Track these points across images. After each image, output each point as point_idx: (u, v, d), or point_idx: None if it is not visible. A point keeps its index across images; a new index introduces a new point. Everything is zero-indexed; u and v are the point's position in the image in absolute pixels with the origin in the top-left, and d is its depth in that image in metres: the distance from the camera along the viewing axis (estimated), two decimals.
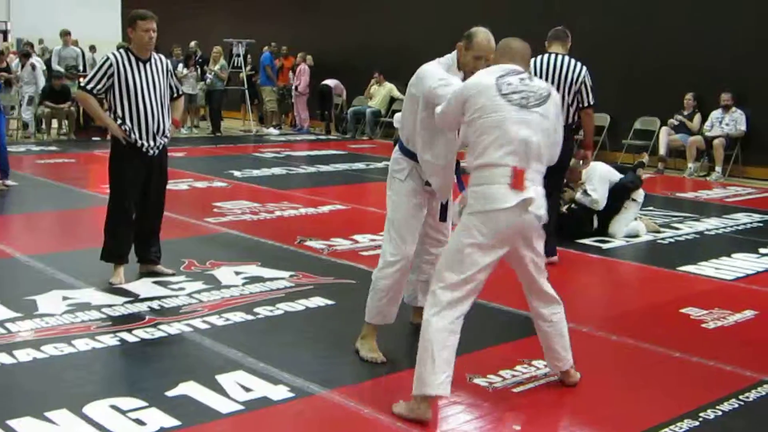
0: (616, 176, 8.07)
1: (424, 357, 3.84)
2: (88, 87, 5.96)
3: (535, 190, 3.84)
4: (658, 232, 8.28)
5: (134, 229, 6.16)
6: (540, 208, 3.87)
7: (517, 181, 3.78)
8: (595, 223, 8.01)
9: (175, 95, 6.31)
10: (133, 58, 5.94)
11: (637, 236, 8.01)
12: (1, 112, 10.66)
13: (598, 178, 7.87)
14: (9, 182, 10.22)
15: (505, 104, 3.81)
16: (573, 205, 7.95)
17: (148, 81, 5.96)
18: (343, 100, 18.77)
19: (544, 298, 4.27)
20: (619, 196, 7.97)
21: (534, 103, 3.88)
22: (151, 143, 5.99)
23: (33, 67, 16.41)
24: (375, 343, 4.67)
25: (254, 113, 19.38)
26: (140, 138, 5.93)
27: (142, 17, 5.94)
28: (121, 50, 6.04)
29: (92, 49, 19.60)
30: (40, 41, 24.08)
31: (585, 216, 7.92)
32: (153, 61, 6.04)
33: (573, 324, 5.36)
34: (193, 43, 19.22)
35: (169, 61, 6.33)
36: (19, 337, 4.86)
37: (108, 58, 5.95)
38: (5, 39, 27.79)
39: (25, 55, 16.84)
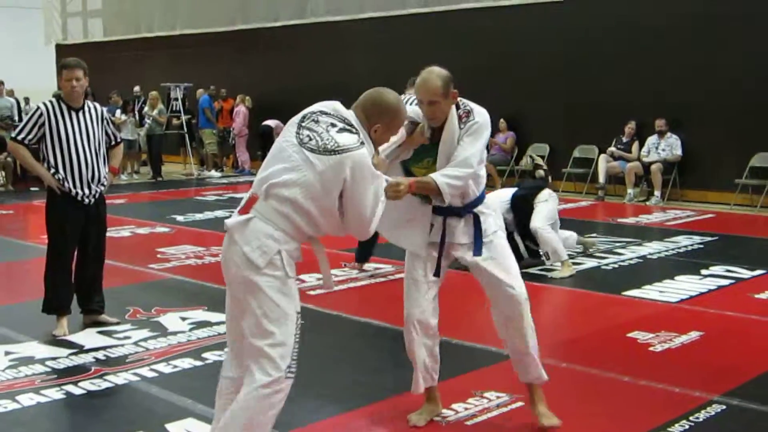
0: (506, 198, 8.01)
1: None
2: (19, 137, 5.92)
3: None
4: (591, 247, 8.45)
5: (73, 278, 6.09)
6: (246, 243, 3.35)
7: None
8: (522, 248, 7.93)
9: (113, 143, 6.27)
10: (65, 107, 5.89)
11: (568, 243, 8.01)
12: None
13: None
14: None
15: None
16: None
17: (80, 129, 5.90)
18: None
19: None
20: (523, 208, 7.90)
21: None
22: (86, 191, 5.92)
23: None
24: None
25: (195, 156, 19.28)
26: (74, 187, 5.88)
27: (66, 66, 5.90)
28: (53, 99, 5.99)
29: (27, 101, 19.41)
30: None
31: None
32: (87, 109, 5.98)
33: None
34: (137, 88, 19.11)
35: (104, 109, 6.27)
36: None
37: (38, 108, 5.91)
38: None
39: None
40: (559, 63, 14.25)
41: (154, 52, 21.06)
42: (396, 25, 16.40)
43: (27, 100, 19.21)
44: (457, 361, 5.28)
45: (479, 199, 4.19)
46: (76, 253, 6.11)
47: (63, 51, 24.32)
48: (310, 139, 3.38)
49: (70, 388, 4.85)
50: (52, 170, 5.87)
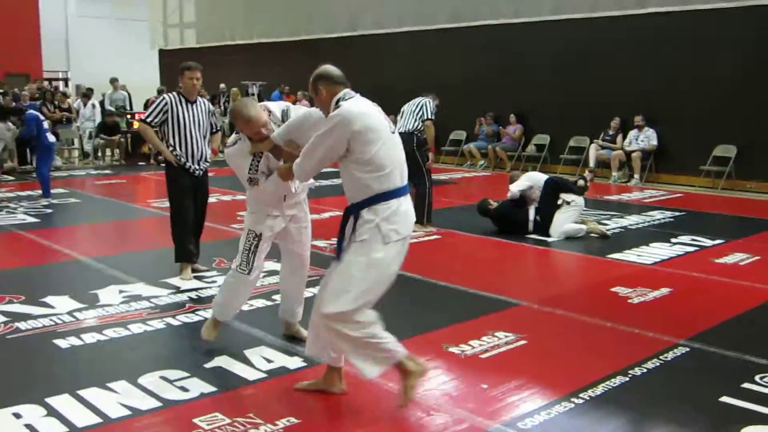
0: (542, 178, 8.04)
1: None
2: (147, 120, 6.02)
3: None
4: (606, 236, 7.78)
5: (192, 231, 6.16)
6: None
7: None
8: (531, 214, 7.86)
9: (214, 130, 6.35)
10: (183, 100, 5.99)
11: (575, 237, 7.77)
12: (52, 149, 10.58)
13: (522, 179, 8.05)
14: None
15: None
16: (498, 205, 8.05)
17: (193, 118, 6.01)
18: None
19: None
20: (550, 192, 7.83)
21: None
22: (196, 166, 6.04)
23: (93, 106, 16.36)
24: None
25: None
26: (188, 162, 6.00)
27: (189, 68, 5.98)
28: (174, 93, 6.06)
29: (118, 84, 19.58)
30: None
31: (513, 208, 7.97)
32: (198, 103, 6.09)
33: (522, 301, 5.42)
34: (222, 85, 19.17)
35: (210, 104, 6.35)
36: (84, 324, 4.85)
37: (164, 98, 6.01)
38: (66, 85, 27.60)
39: (86, 95, 16.76)
40: (559, 69, 14.08)
41: (236, 57, 21.06)
42: (429, 37, 16.23)
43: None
44: (473, 307, 5.29)
45: (366, 201, 3.39)
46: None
47: (164, 55, 24.45)
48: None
49: (170, 320, 4.93)
50: (171, 148, 5.98)
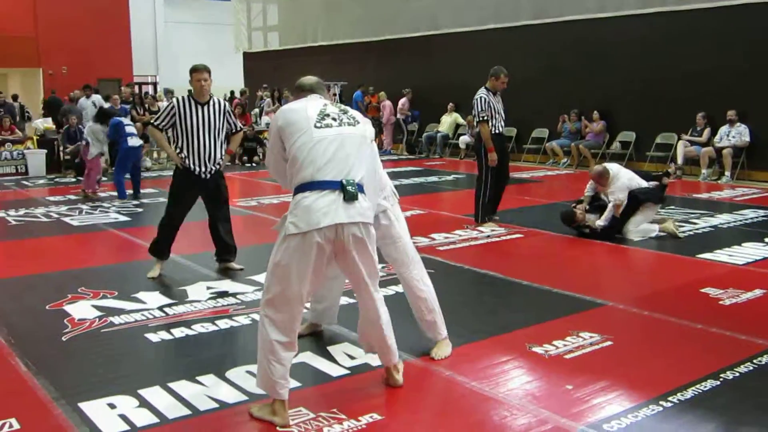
0: (637, 183, 7.67)
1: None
2: (155, 123, 6.10)
3: None
4: (677, 236, 7.52)
5: (211, 237, 6.35)
6: None
7: None
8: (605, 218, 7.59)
9: (234, 131, 6.32)
10: (193, 102, 5.99)
11: (648, 237, 7.52)
12: (130, 154, 10.92)
13: (618, 187, 7.57)
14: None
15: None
16: (599, 225, 7.56)
17: (204, 120, 5.99)
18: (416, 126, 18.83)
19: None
20: (634, 202, 7.55)
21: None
22: (203, 169, 6.03)
23: None
24: None
25: None
26: (193, 164, 6.00)
27: (195, 69, 6.00)
28: (185, 96, 6.07)
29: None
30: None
31: (610, 232, 7.55)
32: (212, 103, 6.06)
33: (607, 301, 5.30)
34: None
35: (227, 103, 6.29)
36: (174, 319, 4.99)
37: (172, 103, 6.05)
38: (155, 89, 28.55)
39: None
40: (644, 64, 13.73)
41: (318, 57, 21.33)
42: (511, 34, 16.08)
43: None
44: (558, 307, 5.21)
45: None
46: (207, 218, 6.35)
47: (248, 57, 24.98)
48: None
49: (255, 315, 4.99)
50: (178, 150, 6.02)
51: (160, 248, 6.24)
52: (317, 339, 4.55)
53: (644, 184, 7.73)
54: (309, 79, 3.82)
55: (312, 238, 3.30)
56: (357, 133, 3.55)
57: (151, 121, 6.25)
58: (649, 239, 7.45)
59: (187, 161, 6.01)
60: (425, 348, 4.30)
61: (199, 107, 6.00)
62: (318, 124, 3.47)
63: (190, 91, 6.20)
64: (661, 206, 8.21)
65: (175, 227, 6.23)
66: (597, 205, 7.81)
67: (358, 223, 3.41)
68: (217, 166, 6.14)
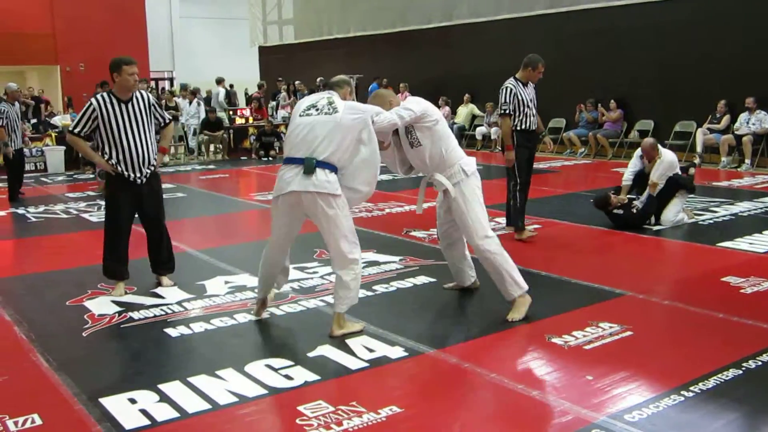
0: (675, 170, 7.67)
1: (507, 267, 4.68)
2: (75, 130, 5.33)
3: None
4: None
5: (147, 246, 5.74)
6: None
7: None
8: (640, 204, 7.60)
9: (163, 124, 5.67)
10: (114, 100, 5.31)
11: (682, 224, 7.59)
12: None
13: (665, 167, 7.55)
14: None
15: None
16: (633, 208, 7.53)
17: (130, 118, 5.33)
18: None
19: None
20: (672, 188, 7.56)
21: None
22: (137, 174, 5.40)
23: (198, 103, 16.91)
24: None
25: None
26: (126, 170, 5.36)
27: (126, 62, 5.30)
28: (104, 94, 5.37)
29: (231, 86, 20.00)
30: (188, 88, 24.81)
31: (647, 214, 7.54)
32: (135, 99, 5.38)
33: (627, 291, 5.26)
34: (319, 79, 19.46)
35: (150, 96, 5.59)
36: (193, 313, 5.01)
37: (90, 104, 5.32)
38: (171, 85, 28.64)
39: (192, 93, 17.35)
40: (662, 52, 13.58)
41: (332, 50, 21.31)
42: (527, 23, 15.97)
43: (232, 86, 19.91)
44: (577, 297, 5.18)
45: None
46: (143, 225, 5.70)
47: (263, 51, 24.98)
48: None
49: (273, 309, 5.01)
50: (106, 156, 5.36)
51: (113, 267, 5.57)
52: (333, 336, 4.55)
53: (678, 172, 7.75)
54: (334, 78, 4.62)
55: (280, 201, 4.36)
56: (330, 120, 4.24)
57: (69, 129, 5.44)
58: (672, 228, 7.40)
59: (119, 167, 5.36)
60: (443, 340, 4.29)
61: (122, 105, 5.32)
62: (302, 114, 4.34)
63: (109, 89, 5.49)
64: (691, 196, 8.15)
65: (122, 239, 5.56)
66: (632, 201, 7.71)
67: (312, 192, 4.21)
68: (152, 168, 5.51)
